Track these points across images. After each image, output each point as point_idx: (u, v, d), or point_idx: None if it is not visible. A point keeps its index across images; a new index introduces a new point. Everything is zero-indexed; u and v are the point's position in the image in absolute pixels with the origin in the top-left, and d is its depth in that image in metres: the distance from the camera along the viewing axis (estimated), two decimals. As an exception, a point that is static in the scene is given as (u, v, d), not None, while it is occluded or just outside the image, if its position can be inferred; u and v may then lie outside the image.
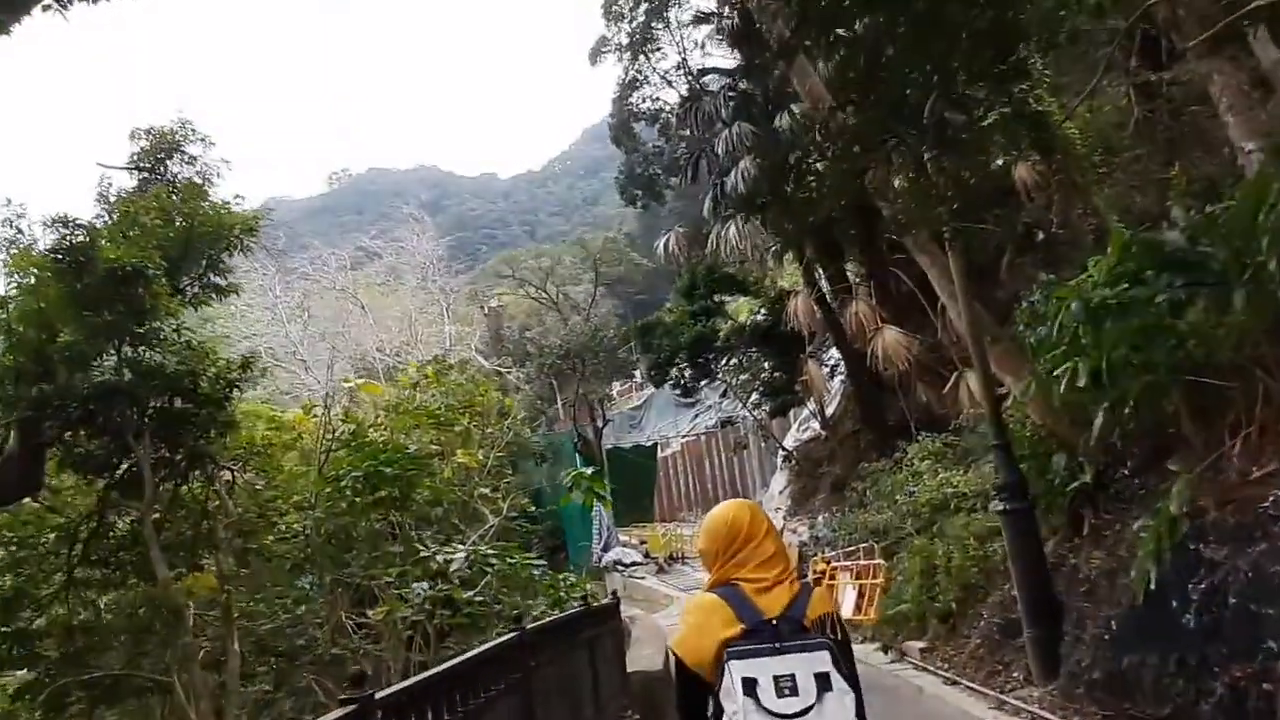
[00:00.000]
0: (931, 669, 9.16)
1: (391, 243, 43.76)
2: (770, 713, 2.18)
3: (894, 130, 8.05)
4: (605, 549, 25.07)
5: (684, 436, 33.55)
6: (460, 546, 12.28)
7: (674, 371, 20.74)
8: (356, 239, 50.29)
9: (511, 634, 3.75)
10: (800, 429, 24.38)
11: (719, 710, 2.29)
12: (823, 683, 2.21)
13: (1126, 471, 7.13)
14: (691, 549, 27.24)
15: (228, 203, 13.04)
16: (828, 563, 14.71)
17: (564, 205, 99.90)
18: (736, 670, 2.23)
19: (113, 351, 9.21)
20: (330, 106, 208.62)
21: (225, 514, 10.16)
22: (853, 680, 2.30)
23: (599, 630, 5.83)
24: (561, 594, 12.37)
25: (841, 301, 18.78)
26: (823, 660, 2.24)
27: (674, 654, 2.46)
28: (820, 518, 18.80)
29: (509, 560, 12.22)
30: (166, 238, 11.80)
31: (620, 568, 24.46)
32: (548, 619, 4.36)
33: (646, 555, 25.72)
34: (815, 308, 17.78)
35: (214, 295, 12.85)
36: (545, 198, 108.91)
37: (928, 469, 13.20)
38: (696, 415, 34.37)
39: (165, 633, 9.30)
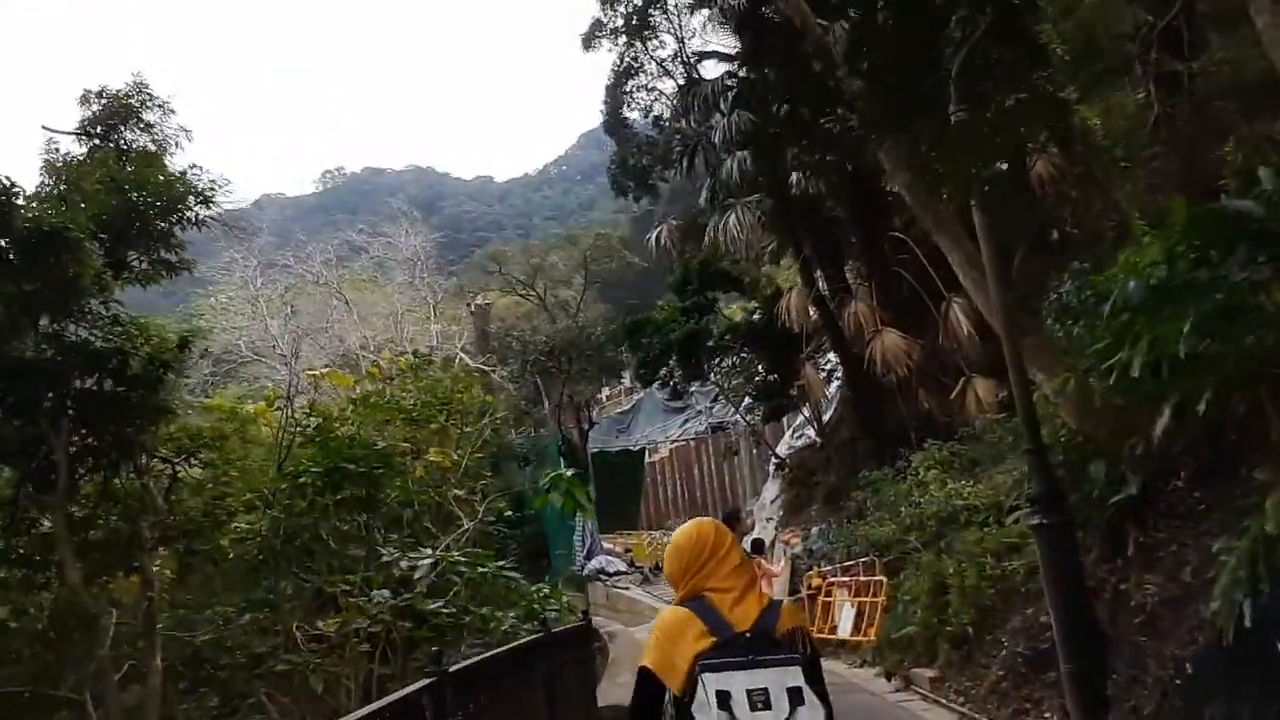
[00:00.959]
0: (944, 702, 8.19)
1: (378, 237, 42.67)
2: None
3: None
4: (588, 557, 24.02)
5: (673, 442, 32.51)
6: (426, 552, 11.27)
7: (663, 371, 19.73)
8: (347, 236, 49.17)
9: (425, 681, 2.76)
10: (794, 436, 23.41)
11: None
12: (795, 697, 2.26)
13: (1181, 483, 6.18)
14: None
15: (184, 173, 12.02)
16: (824, 578, 13.73)
17: (559, 210, 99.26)
18: (710, 683, 2.26)
19: (30, 325, 8.17)
20: (326, 105, 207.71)
21: (154, 510, 9.10)
22: (823, 696, 2.35)
23: (562, 659, 4.86)
24: (535, 605, 11.36)
25: (840, 302, 17.85)
26: (795, 675, 2.30)
27: (643, 666, 2.43)
28: (815, 529, 17.83)
29: (480, 568, 11.20)
30: (109, 206, 10.77)
31: (604, 577, 23.42)
32: (482, 655, 3.35)
33: (631, 564, 24.66)
34: (811, 306, 16.82)
35: (164, 272, 11.81)
36: (540, 202, 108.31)
37: (934, 479, 12.24)
38: (686, 420, 33.34)
39: (81, 644, 8.25)
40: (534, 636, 4.27)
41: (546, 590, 11.35)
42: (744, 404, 21.72)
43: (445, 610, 11.25)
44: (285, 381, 13.95)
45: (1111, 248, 13.24)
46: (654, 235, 18.40)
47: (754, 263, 20.41)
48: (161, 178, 11.42)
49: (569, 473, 12.06)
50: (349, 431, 13.63)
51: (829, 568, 13.99)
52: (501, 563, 11.74)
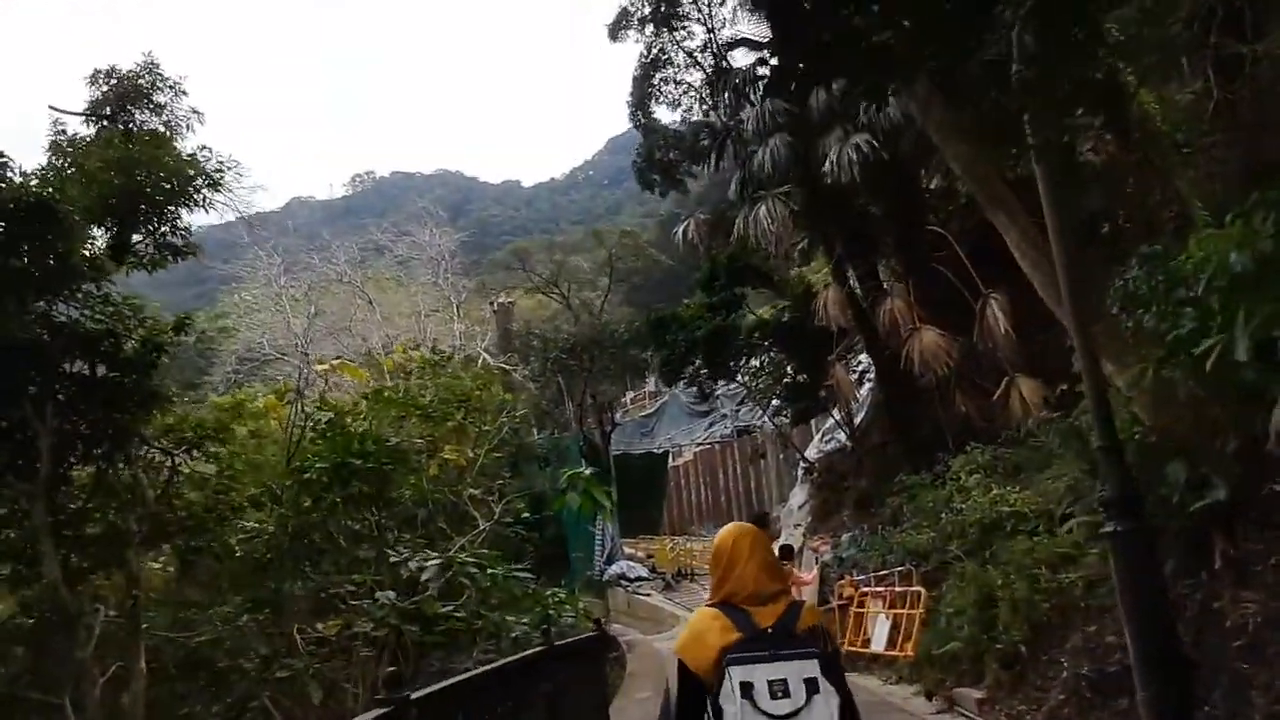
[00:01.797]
0: (994, 726, 7.44)
1: (403, 237, 42.37)
2: (764, 713, 2.47)
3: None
4: (608, 562, 23.37)
5: (697, 445, 31.81)
6: (435, 554, 10.71)
7: (689, 370, 19.03)
8: (372, 236, 48.96)
9: (377, 712, 2.16)
10: (823, 440, 22.62)
11: (719, 711, 2.55)
12: (811, 687, 2.51)
13: (1279, 486, 5.42)
14: (702, 564, 25.51)
15: (193, 155, 11.58)
16: (855, 587, 12.98)
17: (585, 214, 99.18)
18: (735, 675, 2.51)
19: (16, 303, 7.69)
20: (357, 111, 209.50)
21: (143, 503, 8.59)
22: (839, 686, 2.58)
23: (570, 675, 4.22)
24: (550, 611, 10.75)
25: (874, 299, 17.07)
26: (811, 667, 2.54)
27: (678, 658, 2.70)
28: (845, 536, 17.04)
29: (490, 571, 10.61)
30: (113, 186, 10.33)
31: (624, 583, 22.76)
32: (467, 674, 2.75)
33: (653, 570, 24.00)
34: (847, 303, 16.08)
35: (170, 256, 11.37)
36: (567, 206, 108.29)
37: (977, 484, 11.47)
38: (711, 424, 32.63)
39: (62, 644, 7.74)
40: (533, 650, 3.65)
41: (561, 595, 10.71)
42: (771, 406, 20.97)
43: (456, 614, 10.71)
44: (309, 381, 13.44)
45: (1173, 240, 12.44)
46: (680, 230, 17.72)
47: (784, 259, 19.70)
48: (169, 159, 10.99)
49: (588, 471, 11.40)
50: (361, 427, 13.09)
51: (861, 577, 13.23)
52: (515, 566, 11.15)
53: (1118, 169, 13.80)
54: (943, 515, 11.41)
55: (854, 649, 11.78)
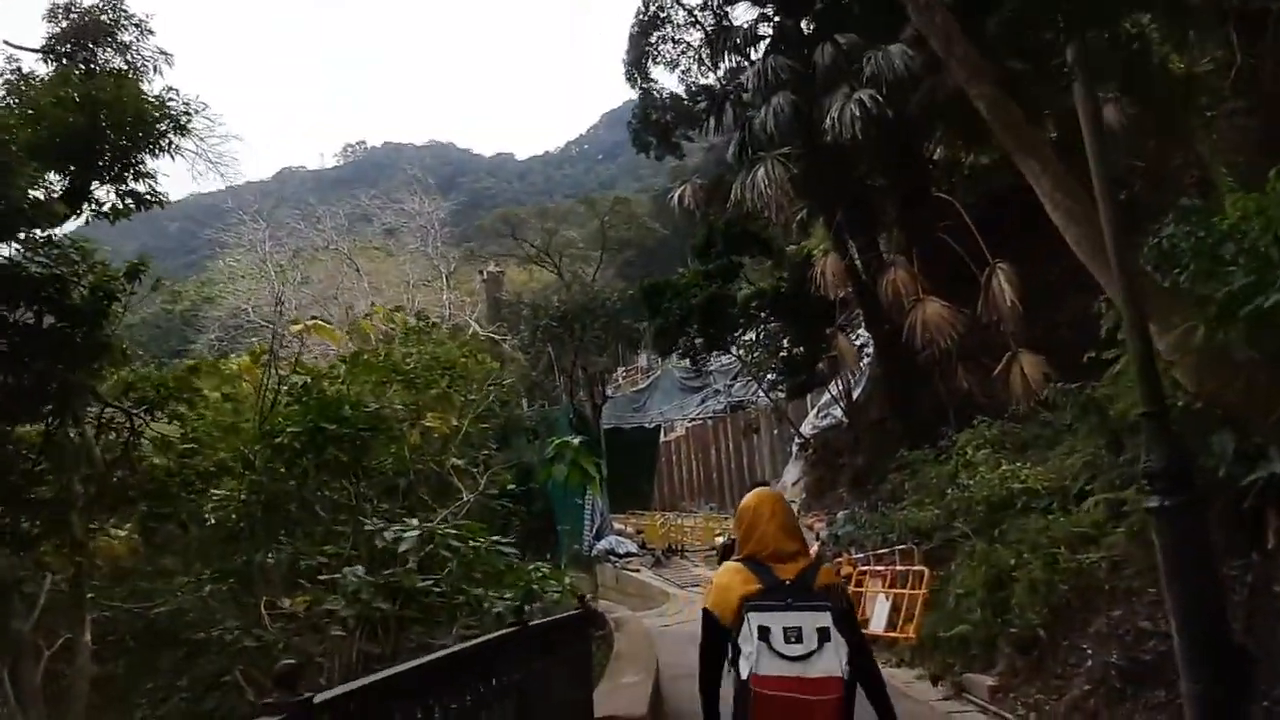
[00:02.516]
0: (1009, 717, 6.91)
1: (391, 204, 41.44)
2: (779, 654, 2.75)
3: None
4: (597, 537, 22.87)
5: (690, 420, 31.27)
6: (414, 523, 10.10)
7: (683, 340, 18.40)
8: (359, 202, 48.01)
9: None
10: (819, 415, 22.11)
11: (736, 650, 2.84)
12: (823, 635, 2.76)
13: (1344, 459, 4.86)
14: (692, 541, 25.01)
15: (158, 97, 10.82)
16: (854, 565, 12.46)
17: (579, 188, 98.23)
18: (754, 620, 2.80)
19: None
20: (350, 82, 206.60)
21: (89, 464, 7.95)
22: (854, 637, 2.84)
23: (548, 661, 3.63)
24: (534, 586, 10.17)
25: (875, 270, 16.47)
26: (824, 619, 2.79)
27: (705, 610, 3.04)
28: (840, 513, 16.56)
29: (473, 543, 10.02)
30: (69, 126, 9.60)
31: (613, 558, 22.28)
32: (398, 668, 2.16)
33: (643, 546, 23.52)
34: (846, 273, 15.46)
35: (134, 204, 10.64)
36: (561, 180, 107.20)
37: (984, 459, 10.93)
38: (704, 399, 32.08)
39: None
40: (498, 634, 3.08)
41: (546, 570, 10.14)
42: (767, 381, 20.40)
43: (436, 589, 10.15)
44: (276, 336, 12.74)
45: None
46: (676, 195, 16.99)
47: (784, 229, 19.05)
48: (130, 100, 10.23)
49: (577, 441, 10.80)
50: (339, 390, 12.43)
51: (859, 555, 12.73)
52: (500, 540, 10.56)
53: (1138, 132, 13.18)
54: (948, 492, 10.88)
55: (852, 629, 11.30)
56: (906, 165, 16.87)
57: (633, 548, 22.85)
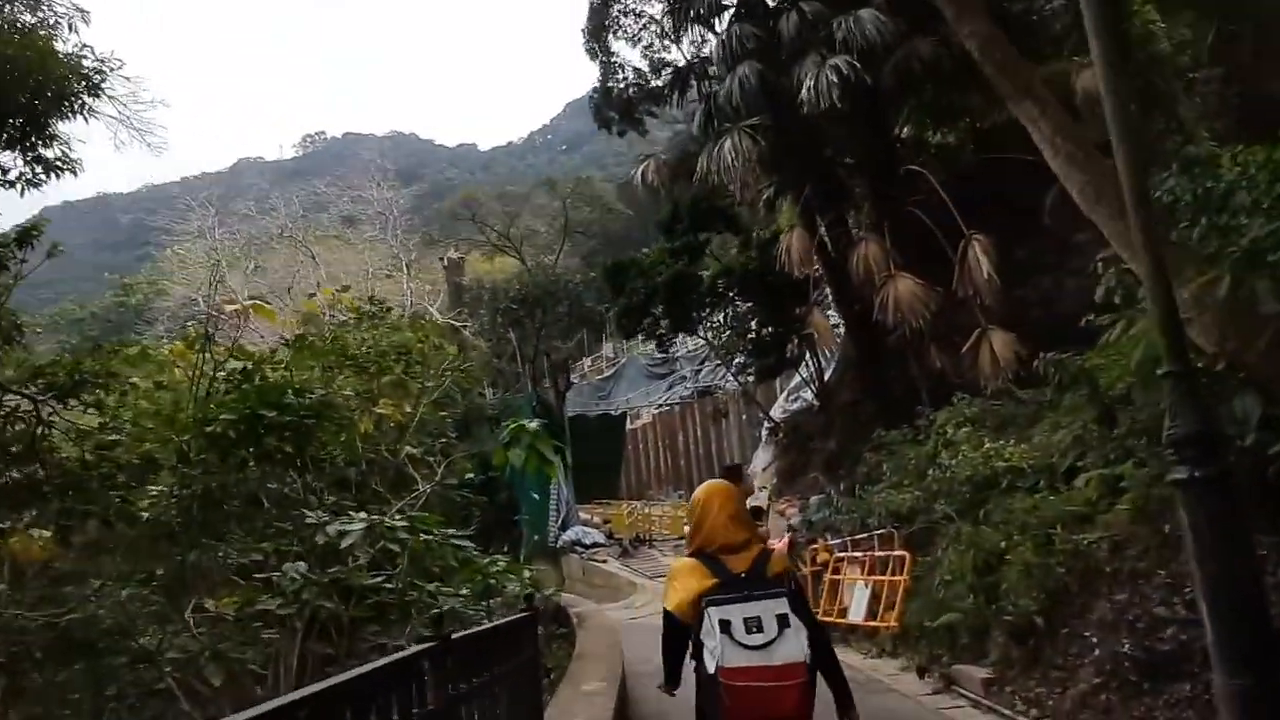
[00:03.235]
0: (1007, 712, 6.36)
1: (347, 191, 40.20)
2: (742, 645, 2.85)
3: None
4: (563, 528, 22.16)
5: (657, 407, 30.64)
6: (361, 515, 9.33)
7: (648, 322, 17.68)
8: (319, 196, 46.57)
9: None
10: (789, 399, 21.60)
11: (699, 646, 2.96)
12: (782, 622, 2.88)
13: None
14: (660, 530, 24.41)
15: (70, 54, 9.88)
16: (830, 552, 11.92)
17: (544, 178, 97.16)
18: (714, 614, 2.91)
19: None
20: (309, 72, 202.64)
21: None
22: (807, 620, 2.98)
23: (483, 681, 2.94)
24: (491, 580, 9.48)
25: (845, 247, 15.91)
26: (781, 605, 2.92)
27: (665, 610, 3.14)
28: (813, 499, 16.04)
29: (424, 536, 9.28)
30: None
31: (579, 549, 21.60)
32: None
33: (610, 536, 22.87)
34: (814, 248, 14.86)
35: (44, 172, 9.69)
36: (525, 170, 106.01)
37: (966, 438, 10.42)
38: (671, 386, 31.51)
39: None
40: (407, 652, 2.41)
41: (503, 564, 9.43)
42: (736, 363, 19.81)
43: (386, 585, 9.42)
44: (211, 319, 11.80)
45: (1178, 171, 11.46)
46: (639, 171, 16.28)
47: (750, 206, 18.45)
48: (34, 56, 9.29)
49: (534, 424, 10.08)
50: (281, 376, 11.56)
51: (836, 541, 12.20)
52: (459, 532, 9.83)
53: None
54: (929, 473, 10.37)
55: (829, 619, 10.73)
56: (877, 140, 16.35)
57: (599, 538, 22.20)
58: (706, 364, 29.63)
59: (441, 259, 33.28)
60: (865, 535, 11.25)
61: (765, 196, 18.59)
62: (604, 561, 20.60)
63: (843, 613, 10.88)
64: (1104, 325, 7.47)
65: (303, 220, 38.70)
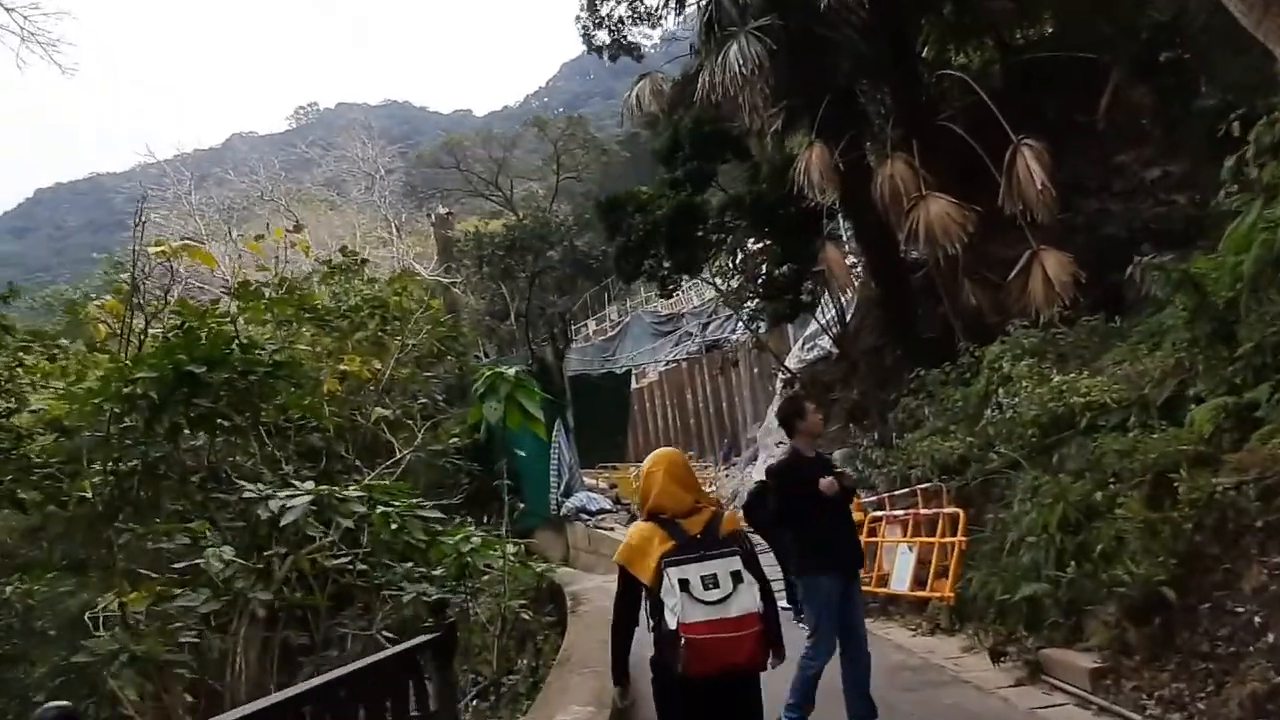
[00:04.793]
0: (1133, 716, 4.79)
1: (330, 149, 38.23)
2: (700, 601, 3.06)
3: None
4: (566, 494, 20.69)
5: (664, 364, 29.02)
6: (306, 486, 7.79)
7: (649, 263, 15.90)
8: (300, 154, 44.61)
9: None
10: (804, 348, 19.96)
11: (659, 605, 3.12)
12: (736, 578, 3.13)
13: None
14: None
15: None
16: (864, 512, 10.33)
17: (540, 142, 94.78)
18: (673, 574, 3.09)
19: None
20: (299, 44, 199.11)
21: None
22: (758, 576, 3.24)
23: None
24: (466, 559, 7.96)
25: (867, 170, 14.15)
26: (735, 563, 3.16)
27: (619, 565, 3.33)
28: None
29: (382, 509, 7.74)
30: None
31: (585, 516, 20.15)
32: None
33: (616, 501, 21.39)
34: (834, 170, 13.04)
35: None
36: (522, 133, 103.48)
37: (1027, 372, 8.77)
38: (678, 342, 29.85)
39: None
40: None
41: (477, 539, 7.89)
42: (746, 310, 18.11)
43: (350, 568, 7.94)
44: (136, 265, 10.13)
45: (1241, 69, 9.70)
46: (633, 95, 14.48)
47: (758, 137, 16.62)
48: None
49: (512, 370, 8.44)
50: (223, 330, 9.91)
51: (870, 499, 10.62)
52: (419, 501, 8.29)
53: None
54: (988, 413, 8.74)
55: (867, 589, 9.17)
56: (901, 49, 14.52)
57: (606, 504, 20.73)
58: (714, 318, 27.98)
59: (429, 215, 31.49)
60: (906, 491, 9.67)
61: (775, 129, 16.79)
62: (611, 529, 19.15)
63: (882, 581, 9.33)
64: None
65: (285, 180, 36.78)
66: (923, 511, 9.11)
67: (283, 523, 7.21)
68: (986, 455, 8.63)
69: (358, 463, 11.83)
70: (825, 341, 18.83)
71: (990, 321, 12.76)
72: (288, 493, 7.63)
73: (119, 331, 10.37)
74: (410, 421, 13.25)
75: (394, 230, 35.60)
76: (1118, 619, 5.32)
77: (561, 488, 20.63)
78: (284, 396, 9.67)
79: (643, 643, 3.27)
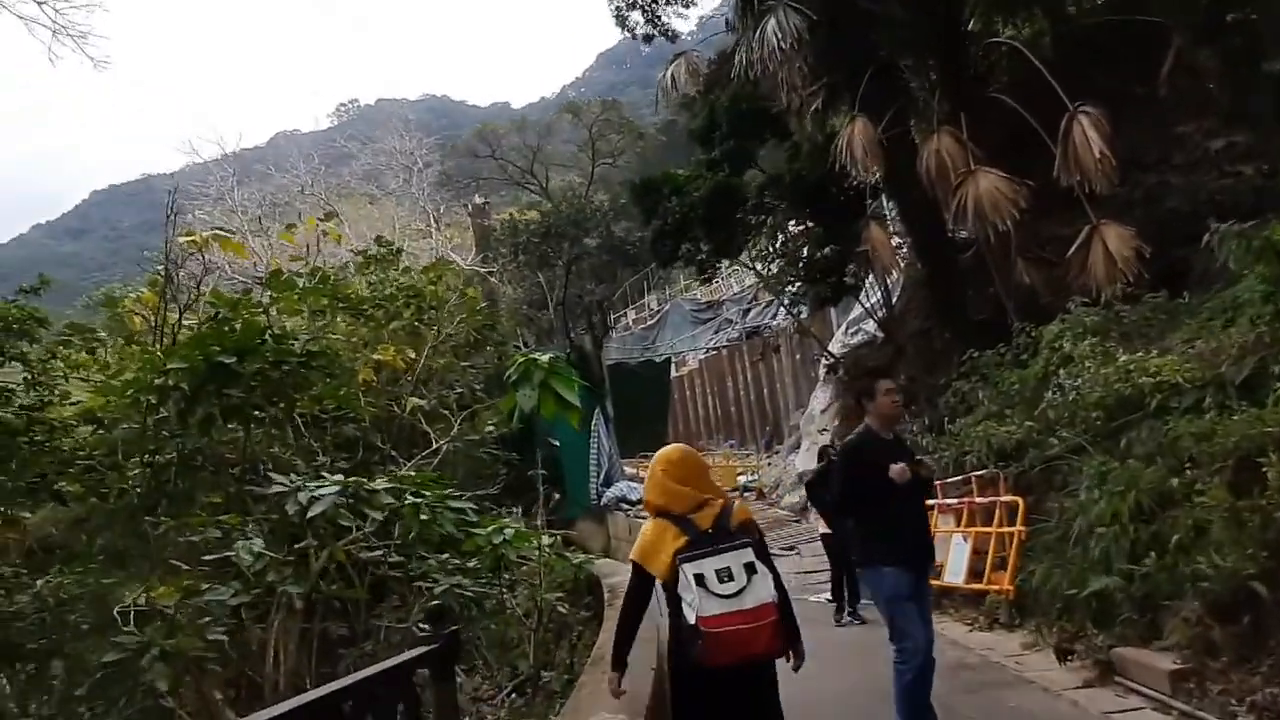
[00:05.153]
0: (1223, 724, 4.37)
1: (368, 144, 38.37)
2: (716, 595, 3.14)
3: None
4: (607, 484, 20.45)
5: (704, 351, 28.59)
6: (335, 477, 7.63)
7: (685, 247, 15.47)
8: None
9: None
10: (848, 333, 19.43)
11: (677, 600, 3.21)
12: (750, 569, 3.20)
13: None
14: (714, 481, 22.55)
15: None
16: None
17: (577, 133, 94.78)
18: (688, 570, 3.18)
19: None
20: (340, 41, 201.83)
21: None
22: (772, 567, 3.31)
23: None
24: (501, 550, 7.72)
25: (908, 151, 13.60)
26: (748, 555, 3.23)
27: (633, 562, 3.42)
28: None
29: (411, 500, 7.54)
30: None
31: (625, 506, 19.90)
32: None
33: (657, 491, 21.07)
34: (878, 145, 12.51)
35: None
36: (559, 124, 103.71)
37: (1091, 351, 8.26)
38: (718, 330, 29.42)
39: None
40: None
41: (510, 530, 7.65)
42: (787, 294, 17.64)
43: (385, 560, 7.77)
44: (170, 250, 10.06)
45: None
46: (668, 73, 14.07)
47: (798, 115, 16.10)
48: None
49: (546, 356, 8.16)
50: (257, 320, 9.81)
51: (920, 486, 10.17)
52: (451, 491, 8.06)
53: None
54: (1049, 395, 8.25)
55: (920, 581, 8.78)
56: (948, 19, 13.92)
57: (646, 493, 20.46)
58: (754, 304, 27.51)
59: (466, 205, 31.41)
60: (960, 478, 9.22)
61: (814, 108, 16.27)
62: (651, 518, 18.91)
63: (938, 572, 8.91)
64: None
65: (325, 174, 37.04)
66: (978, 500, 8.67)
67: (310, 515, 7.06)
68: (1046, 440, 8.16)
69: (394, 453, 11.73)
70: (870, 325, 18.30)
71: (1045, 302, 12.18)
72: (317, 484, 7.47)
73: (155, 324, 10.36)
74: (446, 412, 13.10)
75: (432, 221, 35.67)
76: (1200, 616, 4.89)
77: (602, 477, 20.41)
78: (319, 387, 9.54)
79: (642, 640, 3.45)
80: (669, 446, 3.73)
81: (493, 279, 24.71)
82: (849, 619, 8.96)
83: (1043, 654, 6.33)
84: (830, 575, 9.73)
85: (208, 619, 6.55)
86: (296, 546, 7.23)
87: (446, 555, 8.05)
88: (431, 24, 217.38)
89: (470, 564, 7.92)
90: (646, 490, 3.53)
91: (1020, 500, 7.92)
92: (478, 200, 29.81)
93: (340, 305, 12.03)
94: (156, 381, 8.07)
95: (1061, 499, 7.46)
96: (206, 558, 7.02)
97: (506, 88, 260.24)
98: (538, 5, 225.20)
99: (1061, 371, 8.38)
